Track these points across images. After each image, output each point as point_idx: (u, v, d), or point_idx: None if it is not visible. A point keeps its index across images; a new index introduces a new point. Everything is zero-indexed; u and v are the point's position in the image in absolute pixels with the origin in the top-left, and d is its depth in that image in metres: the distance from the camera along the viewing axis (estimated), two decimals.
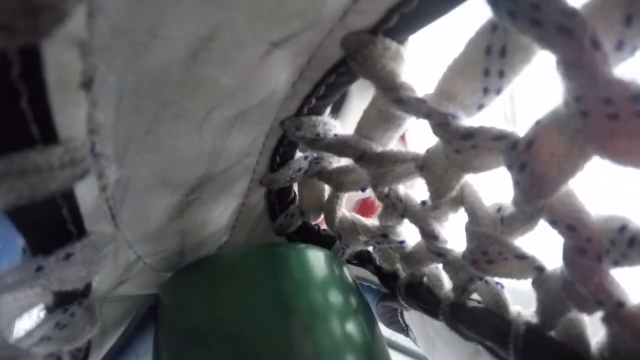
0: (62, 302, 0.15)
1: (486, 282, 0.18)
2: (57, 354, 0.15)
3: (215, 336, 0.17)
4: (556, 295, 0.15)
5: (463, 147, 0.14)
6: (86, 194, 0.13)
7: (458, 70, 0.15)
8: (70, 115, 0.11)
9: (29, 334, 0.15)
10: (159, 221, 0.18)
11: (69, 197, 0.12)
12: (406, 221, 0.19)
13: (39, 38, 0.09)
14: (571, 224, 0.14)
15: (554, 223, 0.14)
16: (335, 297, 0.19)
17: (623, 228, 0.13)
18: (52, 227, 0.13)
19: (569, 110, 0.12)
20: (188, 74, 0.13)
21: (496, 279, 0.18)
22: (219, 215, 0.21)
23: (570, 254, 0.14)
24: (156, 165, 0.16)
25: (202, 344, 0.17)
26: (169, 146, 0.16)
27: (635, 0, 0.11)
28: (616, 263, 0.13)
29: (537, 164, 0.13)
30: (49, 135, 0.10)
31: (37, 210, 0.12)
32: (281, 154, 0.20)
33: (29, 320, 0.15)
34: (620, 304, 0.14)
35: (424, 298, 0.20)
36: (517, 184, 0.14)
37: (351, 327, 0.18)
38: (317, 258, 0.20)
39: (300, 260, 0.19)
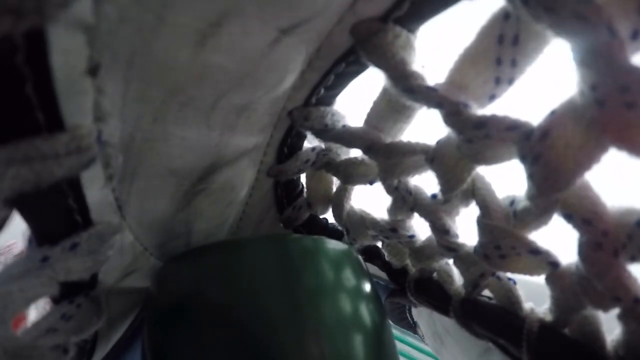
0: (69, 293, 0.15)
1: (498, 277, 0.17)
2: (64, 345, 0.15)
3: (202, 311, 0.17)
4: (571, 291, 0.15)
5: (475, 137, 0.14)
6: (92, 183, 0.13)
7: (469, 60, 0.14)
8: (77, 102, 0.11)
9: (35, 325, 0.15)
10: (166, 212, 0.18)
11: (75, 186, 0.12)
12: (416, 215, 0.19)
13: (45, 21, 0.09)
14: (587, 217, 0.14)
15: (568, 217, 0.14)
16: (345, 281, 0.18)
17: None
18: (58, 216, 0.13)
19: (584, 99, 0.12)
20: (196, 61, 0.13)
21: (509, 275, 0.17)
22: (225, 206, 0.21)
23: (586, 249, 0.14)
24: (163, 155, 0.16)
25: (189, 319, 0.17)
26: (176, 135, 0.15)
27: None
28: (633, 258, 0.13)
29: (551, 156, 0.13)
30: (54, 122, 0.10)
31: (43, 199, 0.12)
32: (289, 145, 0.20)
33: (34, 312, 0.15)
34: (637, 300, 0.13)
35: (434, 294, 0.20)
36: (530, 176, 0.13)
37: (360, 311, 0.18)
38: (328, 245, 0.19)
39: (310, 244, 0.19)
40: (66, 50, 0.10)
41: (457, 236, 0.18)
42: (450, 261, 0.19)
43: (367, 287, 0.19)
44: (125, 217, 0.16)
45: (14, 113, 0.10)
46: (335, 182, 0.22)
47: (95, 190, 0.14)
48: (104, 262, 0.15)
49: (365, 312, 0.18)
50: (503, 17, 0.13)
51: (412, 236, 0.20)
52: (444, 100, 0.14)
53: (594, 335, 0.15)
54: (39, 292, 0.14)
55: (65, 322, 0.15)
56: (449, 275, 0.19)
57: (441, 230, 0.18)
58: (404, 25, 0.15)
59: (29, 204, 0.12)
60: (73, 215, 0.13)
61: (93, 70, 0.11)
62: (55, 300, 0.15)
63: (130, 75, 0.13)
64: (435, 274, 0.20)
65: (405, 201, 0.18)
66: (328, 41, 0.16)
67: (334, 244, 0.19)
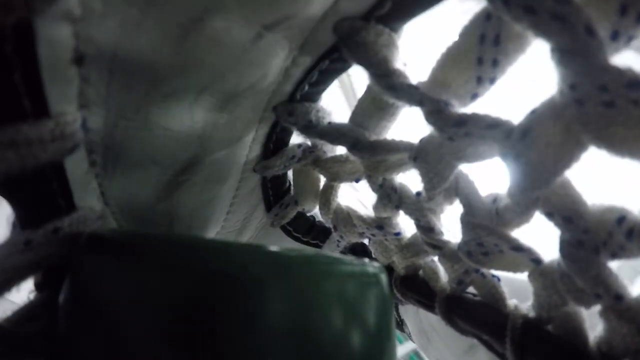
0: (52, 279, 0.15)
1: (482, 274, 0.17)
2: (45, 333, 0.15)
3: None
4: (553, 288, 0.15)
5: (456, 135, 0.14)
6: (76, 168, 0.13)
7: (451, 59, 0.15)
8: (62, 90, 0.11)
9: (17, 312, 0.15)
10: (148, 201, 0.18)
11: (59, 171, 0.13)
12: (401, 213, 0.19)
13: (33, 14, 0.09)
14: (568, 215, 0.14)
15: (550, 215, 0.14)
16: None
17: (621, 219, 0.13)
18: (41, 200, 0.13)
19: (564, 99, 0.12)
20: (179, 54, 0.13)
21: (492, 272, 0.18)
22: (209, 200, 0.21)
23: (567, 247, 0.14)
24: (146, 144, 0.16)
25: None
26: (159, 125, 0.16)
27: None
28: (614, 255, 0.13)
29: (532, 154, 0.13)
30: (40, 109, 0.11)
31: (27, 182, 0.12)
32: (274, 141, 0.20)
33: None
34: (618, 297, 0.13)
35: (420, 291, 0.20)
36: (512, 174, 0.14)
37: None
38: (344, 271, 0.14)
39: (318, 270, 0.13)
40: (52, 41, 0.10)
41: (441, 233, 0.18)
42: (436, 258, 0.19)
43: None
44: (108, 204, 0.17)
45: (2, 99, 0.10)
46: (323, 180, 0.22)
47: (79, 175, 0.14)
48: None
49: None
50: (485, 17, 0.13)
51: (398, 233, 0.20)
52: (425, 98, 0.14)
53: (577, 332, 0.15)
54: (21, 275, 0.14)
55: (47, 310, 0.15)
56: (435, 272, 0.19)
57: (426, 228, 0.18)
58: (387, 24, 0.15)
59: (13, 186, 0.12)
60: (56, 200, 0.13)
61: (78, 60, 0.11)
62: (39, 287, 0.15)
63: (115, 66, 0.13)
64: (421, 271, 0.20)
65: (391, 199, 0.18)
66: (312, 38, 0.16)
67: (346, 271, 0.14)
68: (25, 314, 0.15)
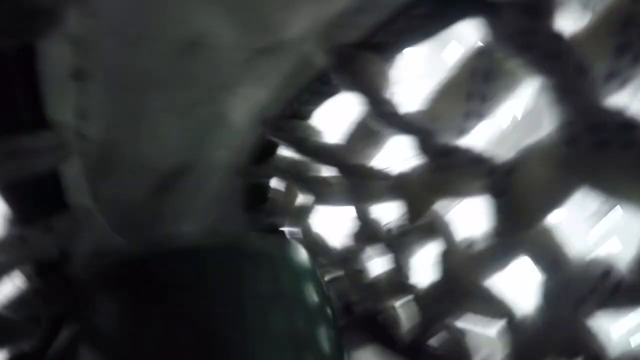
0: (43, 270, 0.16)
1: (449, 325, 0.16)
2: (36, 318, 0.16)
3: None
4: (527, 344, 0.14)
5: (440, 167, 0.14)
6: (70, 171, 0.14)
7: (442, 92, 0.15)
8: (60, 103, 0.12)
9: (11, 299, 0.16)
10: (137, 201, 0.19)
11: (54, 174, 0.14)
12: (370, 249, 0.18)
13: (35, 38, 0.10)
14: (553, 260, 0.13)
15: (534, 259, 0.13)
16: (298, 293, 0.16)
17: (607, 273, 0.12)
18: (36, 199, 0.14)
19: (554, 137, 0.12)
20: (173, 71, 0.15)
21: (458, 325, 0.17)
22: (195, 202, 0.20)
23: (548, 297, 0.13)
24: (137, 150, 0.17)
25: None
26: (151, 134, 0.17)
27: (627, 30, 0.11)
28: (597, 310, 0.13)
29: (517, 193, 0.12)
30: (39, 121, 0.12)
31: (23, 186, 0.13)
32: (262, 150, 0.20)
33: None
34: (597, 356, 0.13)
35: (379, 337, 0.19)
36: (495, 213, 0.13)
37: (310, 327, 0.16)
38: (285, 254, 0.17)
39: (267, 253, 0.17)
40: (53, 59, 0.11)
41: (410, 275, 0.17)
42: (399, 303, 0.18)
43: (321, 302, 0.17)
44: (98, 203, 0.17)
45: (4, 112, 0.11)
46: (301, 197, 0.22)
47: (72, 177, 0.15)
48: (77, 243, 0.16)
49: (315, 327, 0.16)
50: (477, 53, 0.14)
51: (361, 271, 0.19)
52: (411, 127, 0.14)
53: None
54: (13, 265, 0.15)
55: (37, 297, 0.16)
56: (395, 319, 0.18)
57: (394, 267, 0.17)
58: (378, 53, 0.15)
59: (10, 190, 0.14)
60: (50, 199, 0.14)
61: (77, 75, 0.12)
62: (29, 277, 0.16)
63: (111, 81, 0.14)
64: (381, 317, 0.19)
65: (363, 230, 0.18)
66: (304, 61, 0.16)
67: (291, 254, 0.17)
68: (18, 300, 0.16)
